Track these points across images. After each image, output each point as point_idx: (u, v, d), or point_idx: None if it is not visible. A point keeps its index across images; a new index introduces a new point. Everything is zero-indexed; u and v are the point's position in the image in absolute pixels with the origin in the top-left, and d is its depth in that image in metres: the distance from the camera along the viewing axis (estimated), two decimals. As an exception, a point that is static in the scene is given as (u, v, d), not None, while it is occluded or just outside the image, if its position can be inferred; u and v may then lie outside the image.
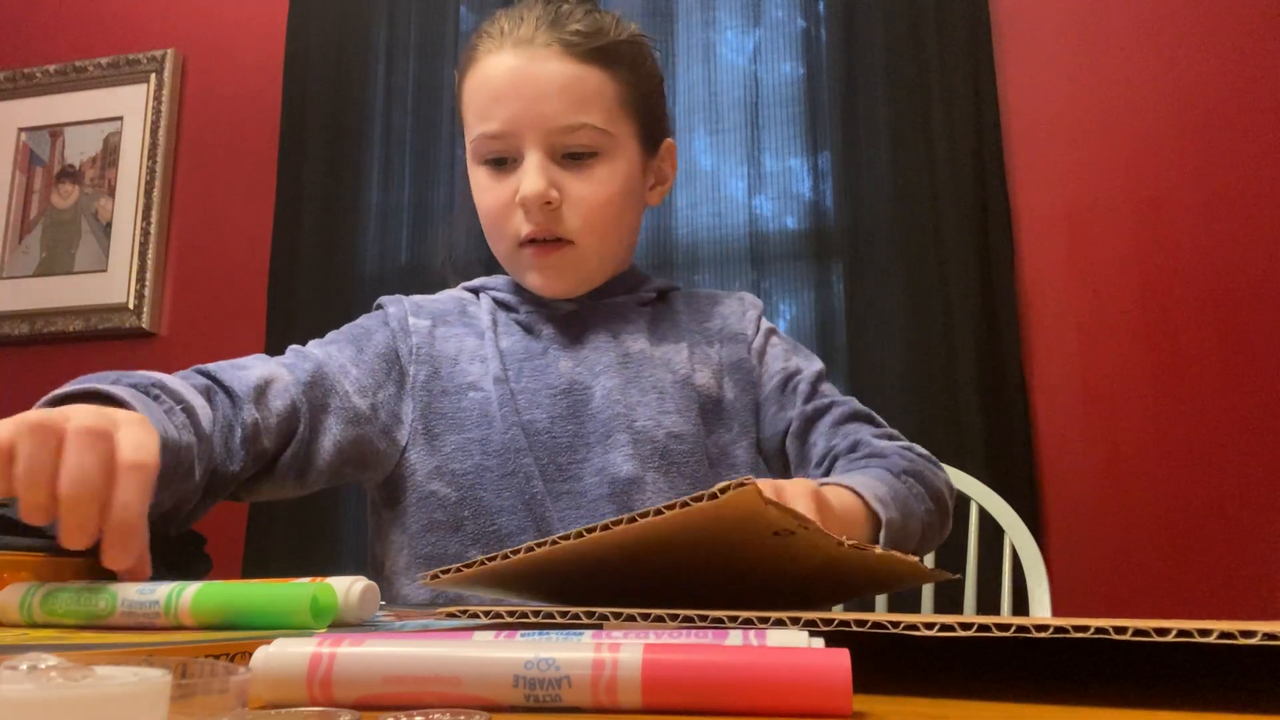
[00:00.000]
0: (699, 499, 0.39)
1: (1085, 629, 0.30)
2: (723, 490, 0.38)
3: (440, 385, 0.86)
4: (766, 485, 0.63)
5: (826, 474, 0.85)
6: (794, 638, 0.31)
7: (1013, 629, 0.31)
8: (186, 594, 0.42)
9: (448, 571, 0.44)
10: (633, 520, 0.40)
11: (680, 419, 0.86)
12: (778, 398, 0.91)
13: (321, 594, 0.41)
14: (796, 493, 0.63)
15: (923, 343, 1.78)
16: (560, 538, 0.41)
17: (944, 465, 1.34)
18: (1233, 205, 1.74)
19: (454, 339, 0.90)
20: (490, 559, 0.43)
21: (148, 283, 2.21)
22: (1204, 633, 0.29)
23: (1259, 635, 0.28)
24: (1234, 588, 1.60)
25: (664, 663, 0.28)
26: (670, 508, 0.39)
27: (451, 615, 0.41)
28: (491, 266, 0.97)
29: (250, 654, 0.30)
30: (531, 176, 0.83)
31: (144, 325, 2.19)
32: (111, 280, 2.23)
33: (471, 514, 0.82)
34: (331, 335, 0.89)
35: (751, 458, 0.90)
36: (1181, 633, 0.29)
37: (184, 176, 2.29)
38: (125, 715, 0.18)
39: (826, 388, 0.93)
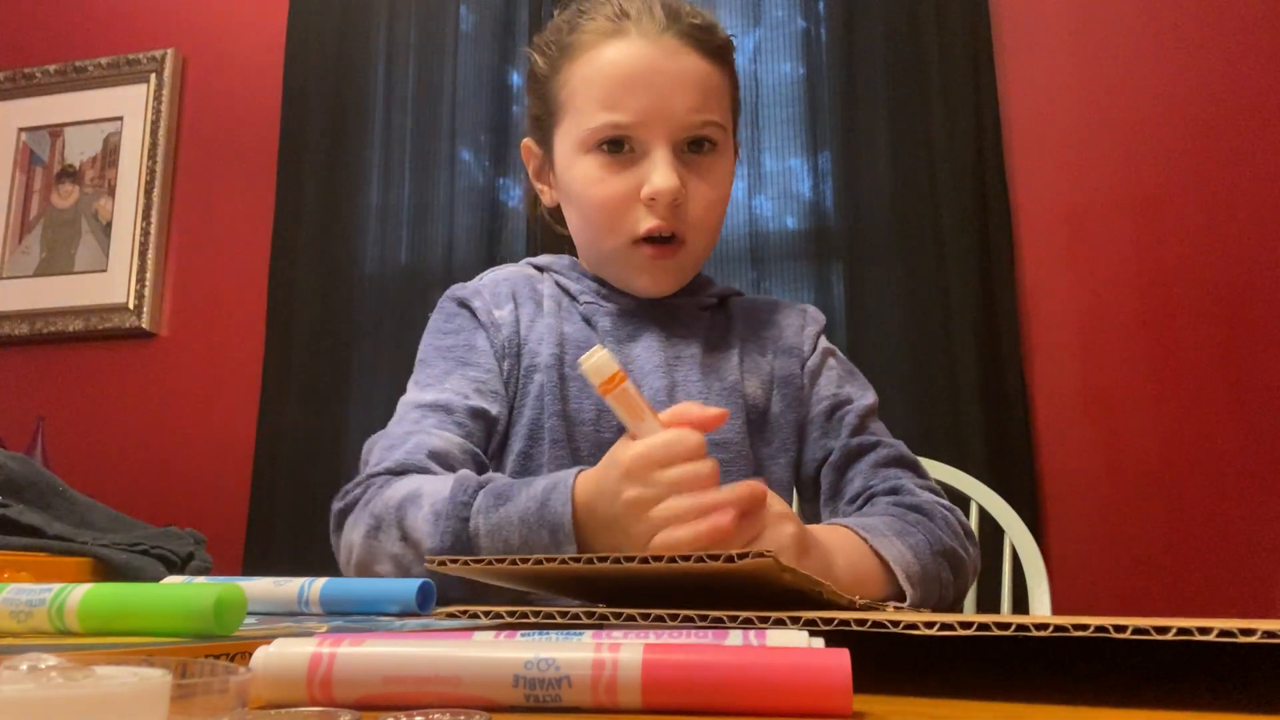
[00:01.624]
0: (715, 558, 0.38)
1: (1085, 628, 0.30)
2: (740, 555, 0.38)
3: (518, 373, 0.86)
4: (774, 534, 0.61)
5: (859, 510, 0.83)
6: (794, 638, 0.31)
7: (1013, 628, 0.31)
8: (74, 595, 0.38)
9: (456, 562, 0.44)
10: (645, 561, 0.40)
11: (725, 427, 0.82)
12: (823, 424, 0.88)
13: (226, 595, 0.36)
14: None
15: (923, 343, 1.78)
16: (571, 558, 0.41)
17: (945, 464, 1.35)
18: (1232, 205, 1.74)
19: (527, 320, 0.89)
20: (499, 561, 0.43)
21: (148, 283, 2.20)
22: (1204, 630, 0.29)
23: (1259, 633, 0.28)
24: (1234, 587, 1.60)
25: (664, 663, 0.28)
26: (686, 559, 0.39)
27: (452, 615, 0.41)
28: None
29: (250, 654, 0.30)
30: (665, 171, 0.80)
31: (144, 325, 2.19)
32: (111, 280, 2.23)
33: None
34: (436, 368, 0.85)
35: (789, 477, 0.87)
36: (1181, 631, 0.29)
37: (184, 176, 2.29)
38: (125, 715, 0.18)
39: (876, 425, 0.89)
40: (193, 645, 0.34)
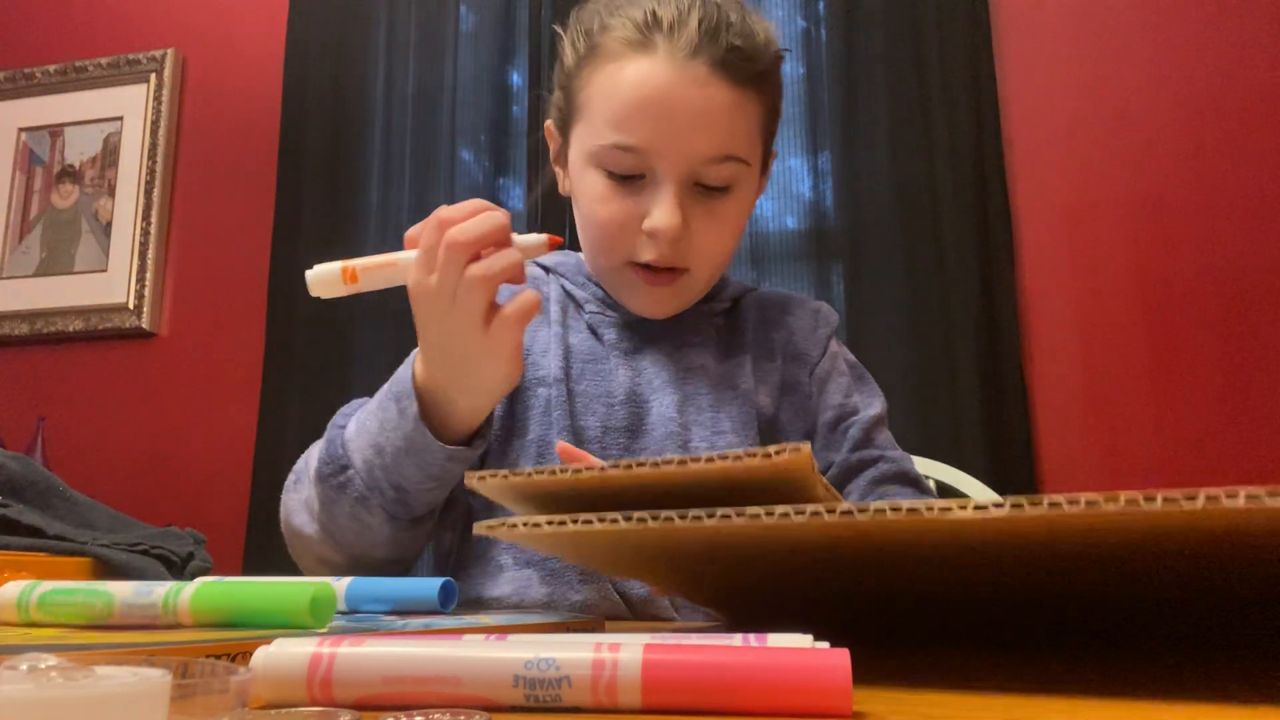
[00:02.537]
0: (752, 454, 0.37)
1: (1076, 502, 0.29)
2: (777, 452, 0.37)
3: (518, 385, 0.82)
4: None
5: None
6: (795, 638, 0.31)
7: (1008, 506, 0.30)
8: (185, 592, 0.42)
9: (496, 476, 0.42)
10: (683, 464, 0.38)
11: (737, 439, 0.82)
12: (826, 435, 0.85)
13: (320, 593, 0.40)
14: None
15: (923, 343, 1.78)
16: (611, 465, 0.39)
17: (945, 464, 1.35)
18: (1233, 205, 1.74)
19: (529, 330, 0.85)
20: (539, 472, 0.40)
21: (148, 283, 2.21)
22: (1230, 495, 0.29)
23: (1242, 496, 0.28)
24: (1234, 588, 1.61)
25: (664, 663, 0.28)
26: (724, 458, 0.38)
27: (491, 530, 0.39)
28: None
29: (250, 654, 0.30)
30: (668, 209, 0.75)
31: (144, 325, 2.19)
32: (111, 280, 2.23)
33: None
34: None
35: None
36: (1167, 499, 0.29)
37: (184, 176, 2.29)
38: (125, 715, 0.18)
39: (881, 437, 0.86)
40: (193, 645, 0.34)
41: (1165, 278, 1.75)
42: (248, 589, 0.41)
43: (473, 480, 0.42)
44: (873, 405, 0.87)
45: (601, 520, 0.37)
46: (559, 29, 0.84)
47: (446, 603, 0.52)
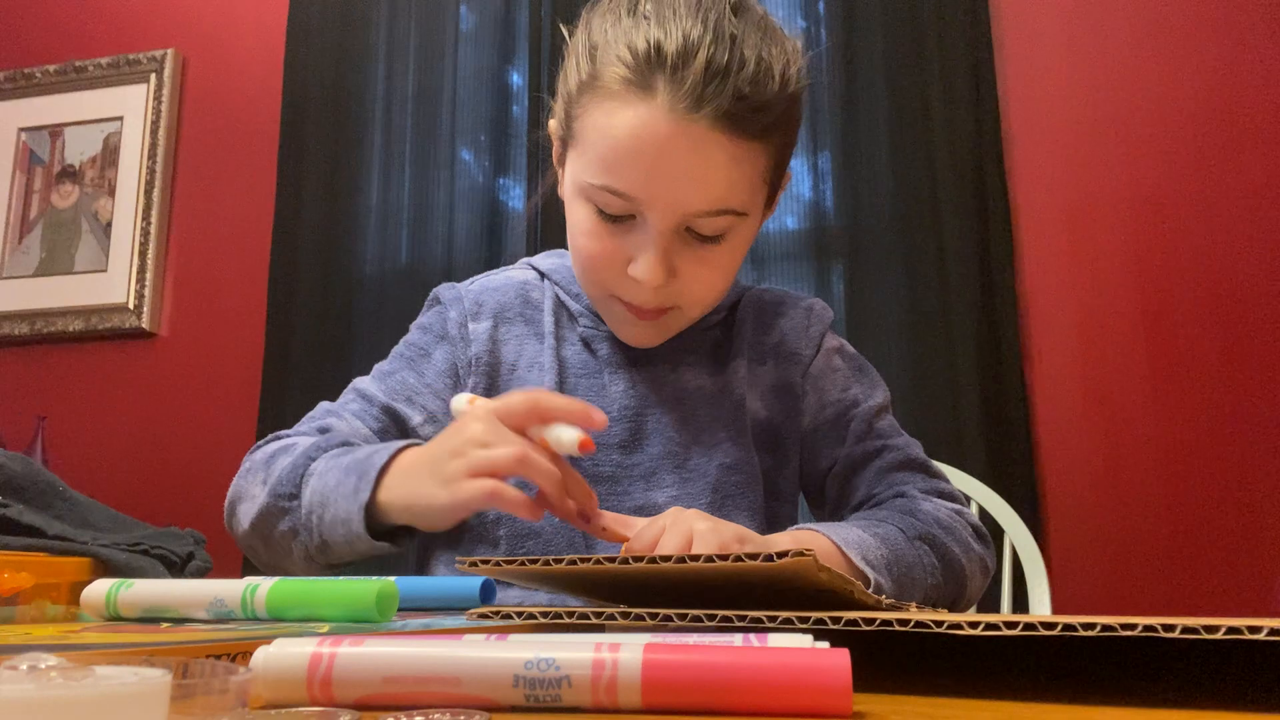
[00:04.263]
0: (754, 557, 0.38)
1: (1092, 626, 0.30)
2: (780, 555, 0.38)
3: (494, 395, 0.82)
4: (684, 523, 0.60)
5: None
6: (796, 639, 0.31)
7: (1020, 626, 0.31)
8: (261, 591, 0.44)
9: (487, 563, 0.44)
10: (681, 561, 0.39)
11: (734, 447, 0.81)
12: (829, 431, 0.84)
13: (385, 589, 0.43)
14: (726, 537, 0.59)
15: (923, 343, 1.78)
16: (606, 558, 0.41)
17: (945, 464, 1.35)
18: (1233, 205, 1.74)
19: (514, 341, 0.85)
20: (532, 561, 0.43)
21: (148, 283, 2.21)
22: (1210, 629, 0.29)
23: (1265, 631, 0.28)
24: (1234, 588, 1.60)
25: (664, 663, 0.28)
26: (724, 558, 0.39)
27: (484, 616, 0.41)
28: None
29: (250, 654, 0.30)
30: (651, 262, 0.73)
31: (144, 325, 2.19)
32: (111, 280, 2.23)
33: (507, 533, 0.79)
34: (391, 363, 0.87)
35: (793, 488, 0.85)
36: (1187, 629, 0.29)
37: (184, 176, 2.29)
38: (125, 715, 0.18)
39: (884, 425, 0.84)
40: (193, 645, 0.34)
41: (1165, 278, 1.75)
42: (319, 586, 0.44)
43: (464, 566, 0.46)
44: (874, 395, 0.86)
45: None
46: (565, 29, 0.80)
47: (487, 601, 0.55)
